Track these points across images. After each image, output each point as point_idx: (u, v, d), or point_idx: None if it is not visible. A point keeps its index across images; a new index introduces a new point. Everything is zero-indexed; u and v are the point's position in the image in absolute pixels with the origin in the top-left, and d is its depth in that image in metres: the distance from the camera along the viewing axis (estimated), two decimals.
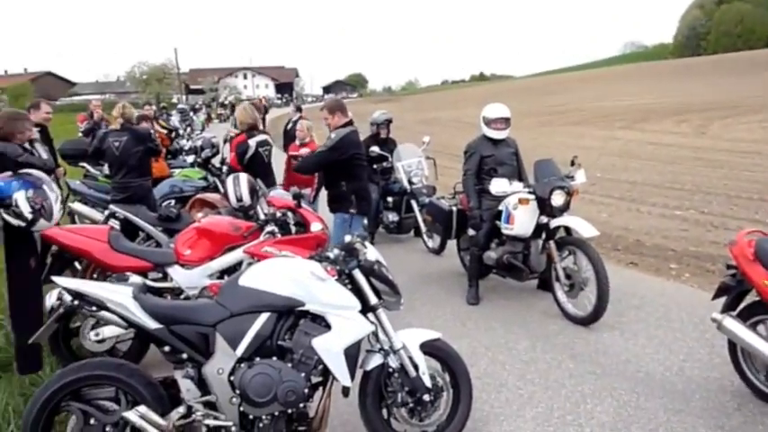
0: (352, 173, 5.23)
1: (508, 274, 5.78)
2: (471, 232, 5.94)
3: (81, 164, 8.31)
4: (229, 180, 5.13)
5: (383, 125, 8.15)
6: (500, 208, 5.64)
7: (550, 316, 5.30)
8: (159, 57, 79.49)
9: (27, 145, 4.90)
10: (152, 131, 6.65)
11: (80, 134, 10.86)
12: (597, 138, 20.02)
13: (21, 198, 3.39)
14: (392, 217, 7.97)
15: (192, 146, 7.86)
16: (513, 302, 5.74)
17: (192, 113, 28.75)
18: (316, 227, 4.17)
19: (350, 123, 5.38)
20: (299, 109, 12.69)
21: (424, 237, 7.71)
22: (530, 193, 5.36)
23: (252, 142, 6.39)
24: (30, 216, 3.39)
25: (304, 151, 6.87)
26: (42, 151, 5.34)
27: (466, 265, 6.33)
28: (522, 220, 5.41)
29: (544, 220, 5.30)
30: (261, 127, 7.60)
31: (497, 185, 5.37)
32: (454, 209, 6.27)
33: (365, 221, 4.69)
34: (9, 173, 3.57)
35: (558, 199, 5.22)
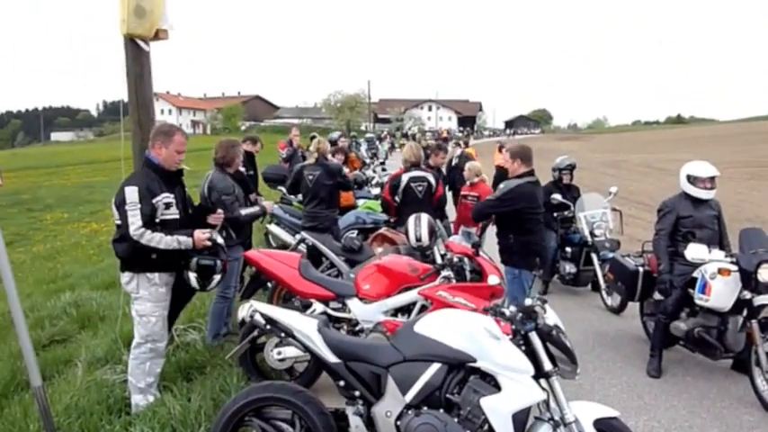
0: (522, 226, 5.07)
1: (698, 349, 5.22)
2: (658, 296, 5.49)
3: (279, 188, 9.12)
4: (411, 219, 5.30)
5: (566, 171, 7.89)
6: (695, 275, 5.14)
7: (745, 404, 4.68)
8: (353, 86, 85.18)
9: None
10: (343, 167, 7.08)
11: (281, 159, 11.93)
12: None
13: (216, 279, 4.13)
14: (569, 268, 7.65)
15: (379, 181, 8.30)
16: (700, 381, 5.17)
17: (377, 142, 30.31)
18: (493, 280, 4.14)
19: (530, 173, 5.20)
20: (459, 144, 12.81)
21: (603, 293, 7.27)
22: (732, 263, 4.83)
23: (405, 177, 6.56)
24: (207, 288, 4.14)
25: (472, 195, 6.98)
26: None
27: (649, 332, 5.85)
28: (720, 291, 4.88)
29: (747, 295, 4.73)
30: (439, 163, 7.83)
31: (695, 251, 4.92)
32: (641, 269, 5.84)
33: (539, 273, 4.50)
34: (210, 241, 4.08)
35: (766, 274, 4.64)
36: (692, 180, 5.36)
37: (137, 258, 3.95)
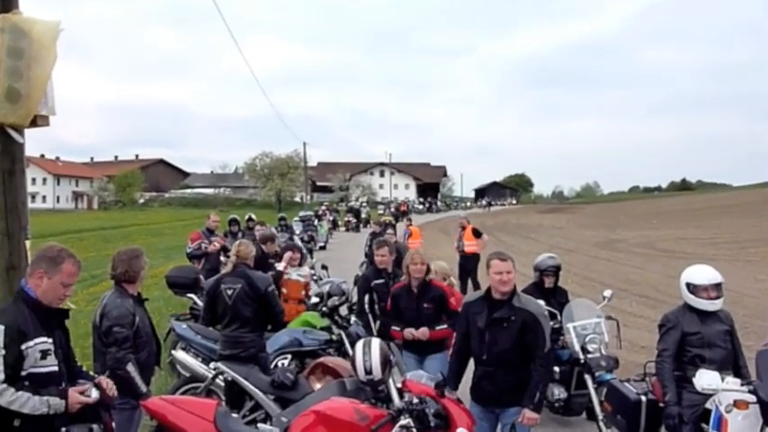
0: None
1: None
2: None
3: (189, 295, 9.04)
4: (358, 346, 5.27)
5: (549, 272, 8.12)
6: (708, 406, 5.36)
7: None
8: (285, 147, 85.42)
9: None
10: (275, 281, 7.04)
11: (186, 253, 11.94)
12: None
13: None
14: (558, 392, 7.73)
15: (319, 292, 8.28)
16: None
17: (315, 221, 30.39)
18: None
19: None
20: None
21: (601, 425, 7.37)
22: (750, 392, 5.06)
23: None
24: None
25: None
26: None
27: None
28: (738, 428, 5.08)
29: None
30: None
31: (705, 380, 5.12)
32: (643, 399, 6.01)
33: None
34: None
35: None
36: (691, 289, 5.65)
37: None
